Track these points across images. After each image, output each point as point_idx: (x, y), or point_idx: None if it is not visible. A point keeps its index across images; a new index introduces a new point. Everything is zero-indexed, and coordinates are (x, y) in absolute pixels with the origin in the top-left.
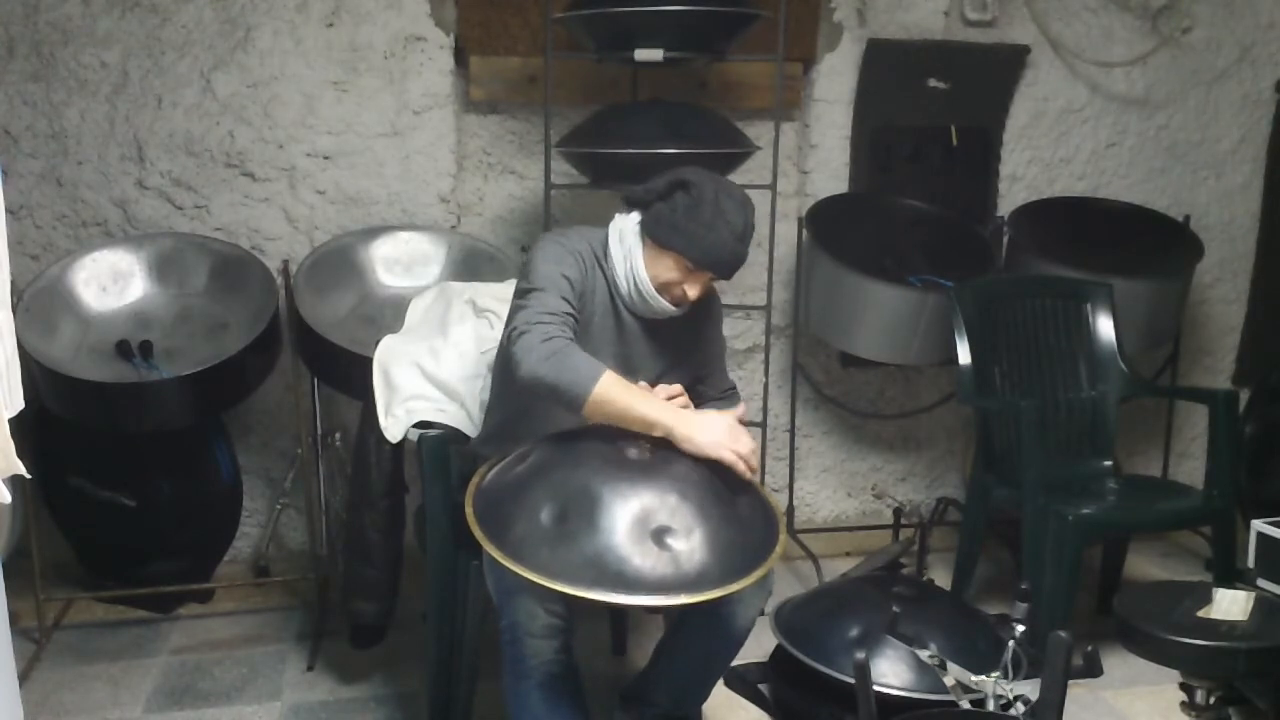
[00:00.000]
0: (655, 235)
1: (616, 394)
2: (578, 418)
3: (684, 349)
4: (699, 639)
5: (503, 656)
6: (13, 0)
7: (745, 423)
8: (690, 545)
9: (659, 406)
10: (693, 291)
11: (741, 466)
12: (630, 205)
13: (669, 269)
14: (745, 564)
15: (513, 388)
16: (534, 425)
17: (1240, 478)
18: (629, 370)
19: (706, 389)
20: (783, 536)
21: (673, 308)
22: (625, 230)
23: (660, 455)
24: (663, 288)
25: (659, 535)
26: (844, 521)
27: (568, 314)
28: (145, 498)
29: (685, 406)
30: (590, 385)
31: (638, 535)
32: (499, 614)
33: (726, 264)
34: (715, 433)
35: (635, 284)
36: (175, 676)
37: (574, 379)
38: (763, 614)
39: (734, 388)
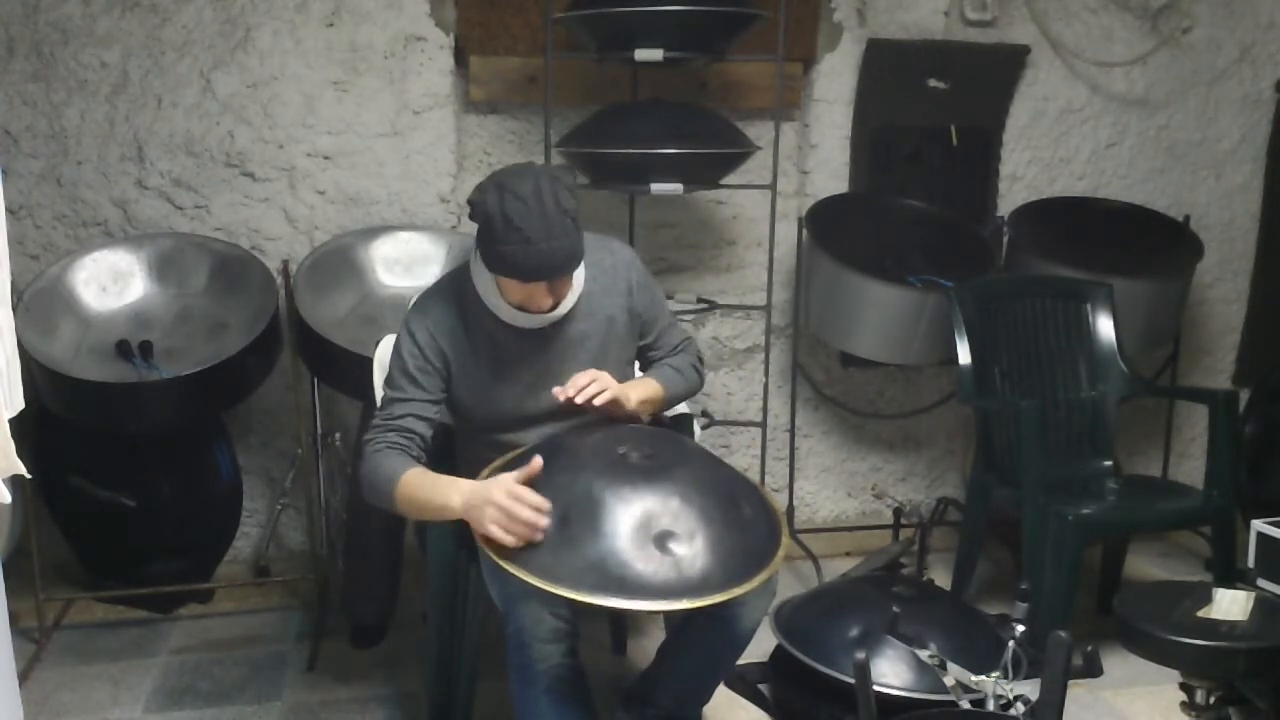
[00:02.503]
0: (483, 263)
1: (411, 491)
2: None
3: (604, 332)
4: (703, 642)
5: (509, 662)
6: (13, 0)
7: (737, 422)
8: (693, 550)
9: (447, 491)
10: (545, 300)
11: (510, 540)
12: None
13: (510, 289)
14: (748, 568)
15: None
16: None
17: (1240, 478)
18: (552, 376)
19: (655, 353)
20: (785, 541)
21: (551, 313)
22: (478, 262)
23: (662, 459)
24: (521, 306)
25: (661, 540)
26: (844, 521)
27: (402, 414)
28: (145, 498)
29: (601, 392)
30: (391, 491)
31: (640, 540)
32: (505, 620)
33: (543, 268)
34: (482, 512)
35: (505, 309)
36: (175, 676)
37: (380, 490)
38: None
39: (688, 340)
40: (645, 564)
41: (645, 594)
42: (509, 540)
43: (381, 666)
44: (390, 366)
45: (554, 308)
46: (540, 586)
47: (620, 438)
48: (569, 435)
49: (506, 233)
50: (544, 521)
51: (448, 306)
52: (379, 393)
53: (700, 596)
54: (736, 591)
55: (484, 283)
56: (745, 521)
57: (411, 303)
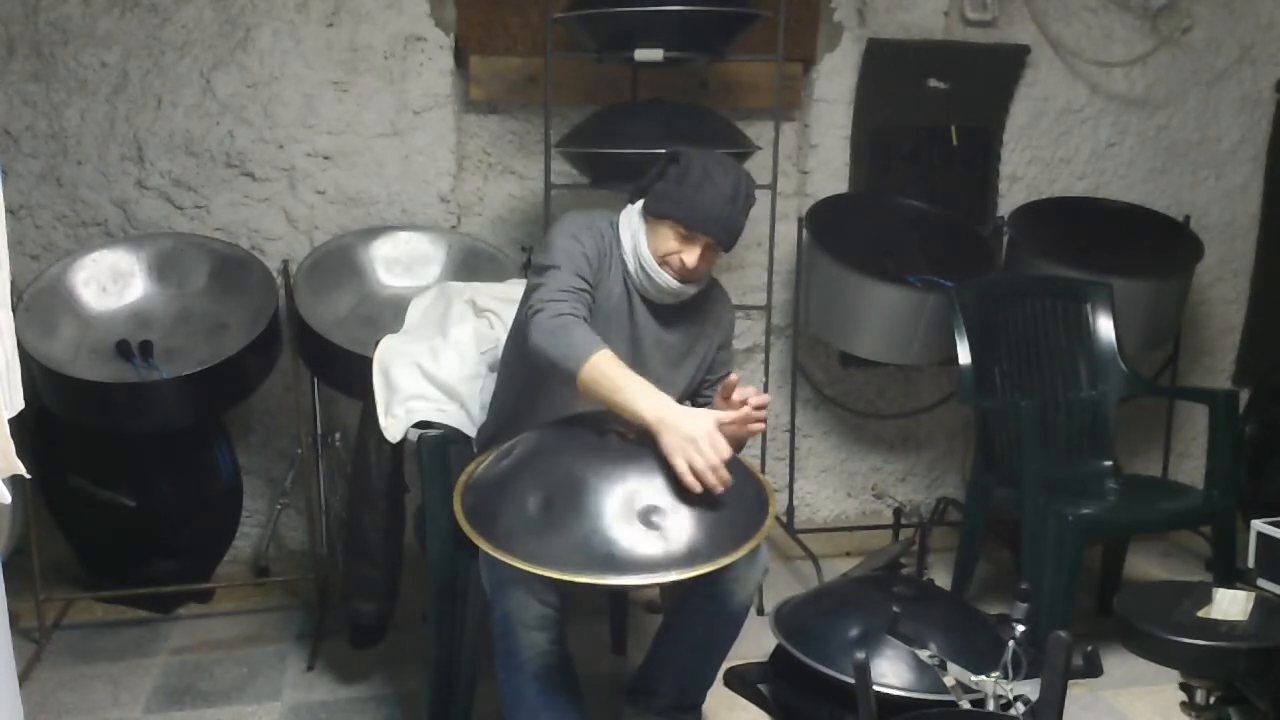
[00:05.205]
0: (650, 208)
1: (607, 373)
2: (578, 399)
3: (690, 346)
4: (697, 622)
5: (496, 649)
6: (13, 0)
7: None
8: (677, 523)
9: (645, 397)
10: (690, 258)
11: (689, 480)
12: (634, 198)
13: (666, 238)
14: (734, 539)
15: (519, 375)
16: (535, 416)
17: (1240, 478)
18: (637, 358)
19: (711, 396)
20: (772, 510)
21: (677, 284)
22: (631, 214)
23: (643, 436)
24: (664, 260)
25: (646, 515)
26: (844, 521)
27: (581, 290)
28: (145, 498)
29: (760, 421)
30: (583, 360)
31: (624, 516)
32: (492, 606)
33: (717, 224)
34: (680, 437)
35: (640, 262)
36: (175, 676)
37: (568, 353)
38: (762, 613)
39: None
40: (631, 539)
41: (632, 569)
42: (689, 479)
43: (381, 666)
44: (553, 258)
45: (690, 278)
46: (527, 569)
47: (599, 419)
48: (552, 423)
49: (703, 180)
50: (723, 478)
51: (602, 240)
52: (378, 393)
53: (689, 568)
54: (724, 561)
55: (632, 233)
56: (730, 494)
57: (573, 214)
